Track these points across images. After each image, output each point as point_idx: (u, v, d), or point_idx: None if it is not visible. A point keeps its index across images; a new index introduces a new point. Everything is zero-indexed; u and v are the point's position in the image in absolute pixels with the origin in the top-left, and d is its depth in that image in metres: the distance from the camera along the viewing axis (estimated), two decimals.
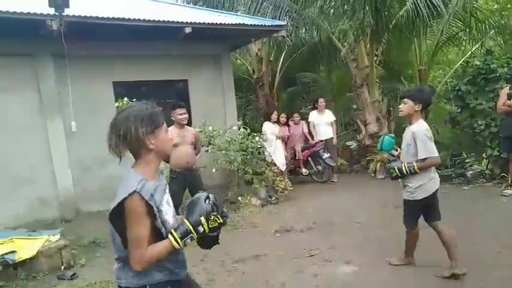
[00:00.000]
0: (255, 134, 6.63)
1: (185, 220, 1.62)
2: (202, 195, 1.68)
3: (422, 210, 3.32)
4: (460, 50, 9.17)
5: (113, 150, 1.61)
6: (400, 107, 3.17)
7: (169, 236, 1.59)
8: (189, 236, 1.59)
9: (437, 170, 6.79)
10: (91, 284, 3.78)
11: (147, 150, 1.63)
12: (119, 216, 1.54)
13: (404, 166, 3.14)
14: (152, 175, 1.64)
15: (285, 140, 7.73)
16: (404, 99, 3.15)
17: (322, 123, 7.97)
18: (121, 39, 6.40)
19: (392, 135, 3.30)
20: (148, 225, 1.56)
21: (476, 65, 6.66)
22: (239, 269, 3.86)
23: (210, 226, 1.61)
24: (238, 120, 7.51)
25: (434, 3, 6.75)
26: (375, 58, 8.30)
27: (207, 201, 1.64)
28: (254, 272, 3.80)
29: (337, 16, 8.63)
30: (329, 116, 8.07)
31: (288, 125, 7.99)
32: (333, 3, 8.59)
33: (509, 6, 6.82)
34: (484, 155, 6.46)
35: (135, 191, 1.51)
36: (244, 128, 6.73)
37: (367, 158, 8.49)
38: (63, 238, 4.45)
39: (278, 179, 6.68)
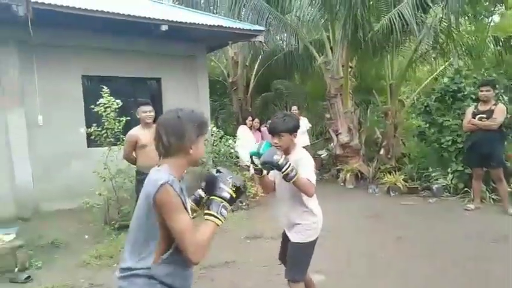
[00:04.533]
0: (228, 137, 6.54)
1: (211, 197, 1.63)
2: (212, 170, 1.73)
3: None
4: (431, 68, 9.52)
5: (163, 149, 1.59)
6: (276, 141, 2.56)
7: (207, 217, 1.57)
8: (221, 206, 1.59)
9: (405, 181, 7.08)
10: None
11: (185, 155, 1.61)
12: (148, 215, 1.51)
13: (289, 164, 2.37)
14: (179, 177, 1.59)
15: None
16: (281, 134, 2.53)
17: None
18: (94, 31, 6.15)
19: (269, 142, 2.55)
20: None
21: (444, 83, 6.92)
22: (208, 275, 3.74)
23: (233, 189, 1.63)
24: (211, 123, 7.39)
25: (408, 22, 6.96)
26: (349, 69, 8.45)
27: (218, 173, 1.68)
28: (223, 279, 3.69)
29: (315, 26, 8.74)
30: (304, 123, 8.11)
31: (260, 131, 7.95)
32: (311, 13, 8.68)
33: (481, 29, 7.21)
34: (449, 170, 6.67)
35: (166, 182, 1.47)
36: (218, 130, 6.62)
37: (337, 167, 8.59)
38: (18, 238, 4.15)
39: (250, 184, 6.60)
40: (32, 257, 4.15)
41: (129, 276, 1.53)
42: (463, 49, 7.84)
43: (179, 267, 1.56)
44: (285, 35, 9.05)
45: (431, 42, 8.20)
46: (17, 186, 5.80)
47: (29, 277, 3.74)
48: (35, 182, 5.93)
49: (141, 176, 4.56)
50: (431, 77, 9.19)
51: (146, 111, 4.50)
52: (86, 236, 4.96)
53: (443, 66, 9.04)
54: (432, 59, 9.04)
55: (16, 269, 3.86)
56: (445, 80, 7.03)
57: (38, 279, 3.75)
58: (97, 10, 5.53)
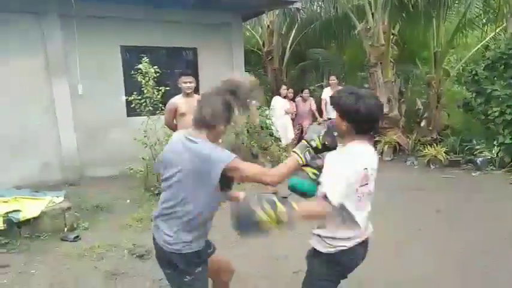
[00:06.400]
0: (265, 108, 6.51)
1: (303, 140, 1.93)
2: (315, 123, 2.00)
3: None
4: (482, 33, 8.84)
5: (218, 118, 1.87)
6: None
7: (293, 153, 1.89)
8: (306, 150, 1.87)
9: (446, 154, 6.77)
10: (94, 247, 3.76)
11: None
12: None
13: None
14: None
15: (293, 116, 7.60)
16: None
17: None
18: (131, 2, 6.19)
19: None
20: None
21: (499, 48, 6.43)
22: (245, 241, 3.82)
23: (321, 141, 1.86)
24: None
25: None
26: (391, 37, 8.04)
27: (319, 126, 1.98)
28: (258, 244, 3.77)
29: None
30: None
31: (294, 101, 7.84)
32: None
33: None
34: (495, 142, 6.32)
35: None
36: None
37: (375, 139, 8.37)
38: (66, 200, 4.42)
39: (283, 154, 6.60)
40: (78, 218, 4.42)
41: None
42: None
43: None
44: (323, 1, 8.68)
45: (482, 6, 7.60)
46: (63, 152, 6.13)
47: (77, 236, 4.01)
48: (79, 149, 6.24)
49: None
50: (482, 43, 8.57)
51: (187, 82, 4.59)
52: (128, 201, 5.20)
53: (494, 33, 8.37)
54: (482, 24, 8.39)
55: (65, 229, 4.13)
56: (501, 46, 6.52)
57: (85, 238, 4.00)
58: None
